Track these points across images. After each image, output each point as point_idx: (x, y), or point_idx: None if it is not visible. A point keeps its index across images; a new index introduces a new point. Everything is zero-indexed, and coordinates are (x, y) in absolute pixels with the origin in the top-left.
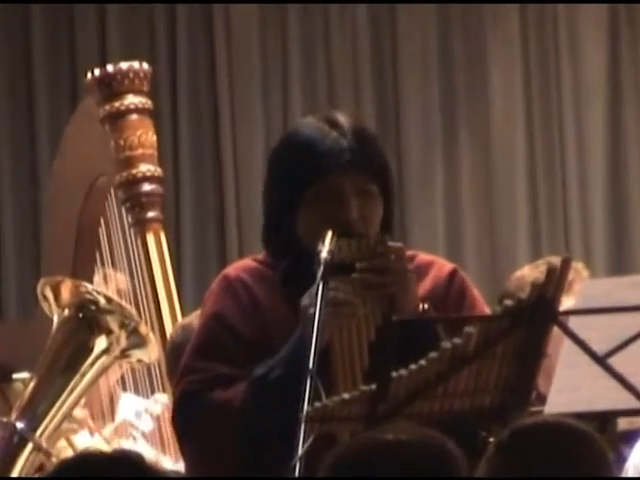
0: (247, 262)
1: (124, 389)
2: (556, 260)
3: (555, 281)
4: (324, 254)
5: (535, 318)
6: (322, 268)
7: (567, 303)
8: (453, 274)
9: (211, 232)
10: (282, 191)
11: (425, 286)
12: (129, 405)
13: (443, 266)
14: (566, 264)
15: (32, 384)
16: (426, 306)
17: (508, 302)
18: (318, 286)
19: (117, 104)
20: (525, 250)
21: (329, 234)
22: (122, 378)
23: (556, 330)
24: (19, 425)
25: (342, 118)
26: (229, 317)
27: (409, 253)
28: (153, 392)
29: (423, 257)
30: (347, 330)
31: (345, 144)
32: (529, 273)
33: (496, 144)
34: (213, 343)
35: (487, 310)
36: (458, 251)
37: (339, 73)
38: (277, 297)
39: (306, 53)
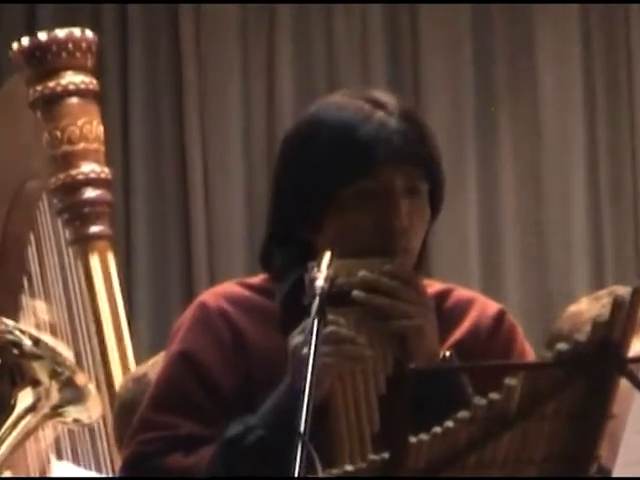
0: (231, 287)
1: (59, 457)
2: (624, 291)
3: (623, 318)
4: (320, 282)
5: (597, 367)
6: (318, 300)
7: (638, 347)
8: (500, 317)
9: (173, 251)
10: (308, 189)
11: (463, 328)
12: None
13: (487, 305)
14: (637, 296)
15: None
16: (447, 354)
17: (561, 346)
18: (313, 324)
19: (52, 84)
20: (584, 277)
21: (327, 255)
22: (57, 442)
23: (624, 383)
24: None
25: (384, 96)
26: (202, 359)
27: (444, 287)
28: (97, 459)
29: (462, 292)
30: (351, 378)
31: (395, 126)
32: (588, 308)
33: (546, 155)
34: (178, 391)
35: None
36: (495, 277)
37: (344, 66)
38: (271, 335)
39: (300, 32)
